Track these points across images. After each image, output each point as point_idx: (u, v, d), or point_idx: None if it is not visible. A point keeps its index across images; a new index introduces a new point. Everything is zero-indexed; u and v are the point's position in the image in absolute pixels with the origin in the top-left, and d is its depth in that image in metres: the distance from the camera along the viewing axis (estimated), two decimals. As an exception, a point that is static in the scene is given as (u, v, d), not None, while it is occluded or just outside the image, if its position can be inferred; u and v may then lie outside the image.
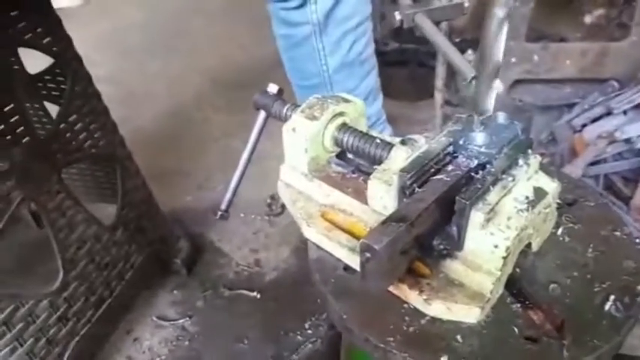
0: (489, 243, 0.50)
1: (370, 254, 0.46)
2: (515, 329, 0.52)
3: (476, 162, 0.54)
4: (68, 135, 1.03)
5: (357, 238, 0.61)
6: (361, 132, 0.65)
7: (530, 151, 0.56)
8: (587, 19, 2.42)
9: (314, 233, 0.63)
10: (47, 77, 1.12)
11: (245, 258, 1.49)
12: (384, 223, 0.48)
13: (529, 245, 0.57)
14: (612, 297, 0.53)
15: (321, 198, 0.66)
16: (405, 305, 0.55)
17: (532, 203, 0.52)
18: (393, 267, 0.49)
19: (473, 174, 0.53)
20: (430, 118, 1.90)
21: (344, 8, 1.09)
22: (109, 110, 1.16)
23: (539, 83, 1.88)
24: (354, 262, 0.59)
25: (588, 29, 2.35)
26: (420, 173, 0.54)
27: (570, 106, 1.73)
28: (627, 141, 1.41)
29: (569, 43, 1.98)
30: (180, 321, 1.32)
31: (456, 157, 0.56)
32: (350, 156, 0.71)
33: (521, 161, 0.55)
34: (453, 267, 0.54)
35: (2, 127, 0.90)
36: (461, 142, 0.56)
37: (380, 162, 0.61)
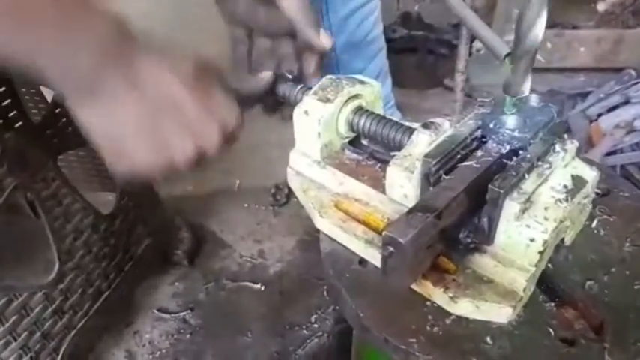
0: (525, 236, 0.45)
1: (394, 248, 0.42)
2: (550, 330, 0.47)
3: (508, 147, 0.49)
4: (64, 120, 0.98)
5: (374, 229, 0.56)
6: (379, 115, 0.60)
7: (566, 135, 0.51)
8: (600, 6, 2.36)
9: (327, 224, 0.58)
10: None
11: (248, 249, 1.44)
12: (409, 213, 0.43)
13: (562, 239, 0.53)
14: (655, 295, 0.48)
15: (334, 187, 0.61)
16: (428, 303, 0.50)
17: (571, 193, 0.47)
18: (417, 262, 0.45)
19: (505, 160, 0.48)
20: (440, 106, 1.85)
21: None
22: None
23: (552, 72, 1.84)
24: (371, 255, 0.55)
25: (601, 17, 2.30)
26: (446, 159, 0.49)
27: (584, 95, 1.67)
28: (646, 131, 1.36)
29: (584, 31, 1.93)
30: (182, 313, 1.28)
31: (486, 142, 0.51)
32: (364, 142, 0.66)
33: (557, 147, 0.50)
34: (482, 262, 0.49)
35: (-6, 110, 0.85)
36: (491, 126, 0.51)
37: (399, 148, 0.56)
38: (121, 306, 1.25)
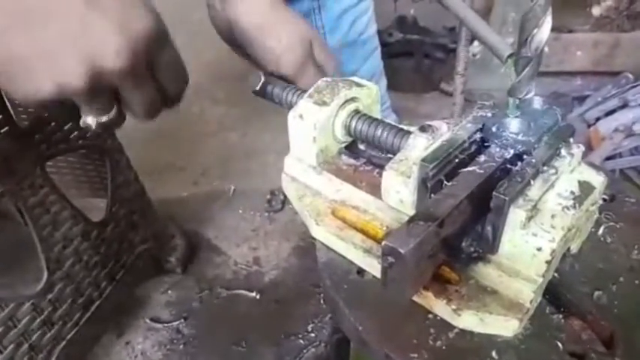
0: (531, 245, 0.43)
1: (394, 259, 0.39)
2: (559, 344, 0.45)
3: (512, 152, 0.47)
4: (52, 125, 0.95)
5: (372, 238, 0.54)
6: (376, 119, 0.58)
7: (572, 139, 0.49)
8: (596, 11, 2.36)
9: (323, 232, 0.56)
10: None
11: (243, 256, 1.42)
12: (409, 222, 0.41)
13: (568, 247, 0.51)
14: (667, 306, 0.46)
15: (331, 193, 0.59)
16: (430, 316, 0.48)
17: (579, 199, 0.45)
18: (419, 273, 0.42)
19: (510, 165, 0.46)
20: (436, 111, 1.83)
21: None
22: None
23: (549, 76, 1.82)
24: (370, 265, 0.52)
25: (597, 21, 2.29)
26: (443, 164, 0.47)
27: (581, 99, 1.66)
28: (645, 134, 1.34)
29: (581, 34, 1.92)
30: (175, 323, 1.25)
31: (488, 146, 0.49)
32: (362, 147, 0.64)
33: (563, 151, 0.48)
34: (486, 272, 0.47)
35: (-22, 115, 0.82)
36: (494, 130, 0.49)
37: (397, 152, 0.54)
38: (112, 316, 1.22)
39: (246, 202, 1.58)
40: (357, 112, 0.59)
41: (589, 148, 1.39)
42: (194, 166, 1.77)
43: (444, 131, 0.51)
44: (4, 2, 0.41)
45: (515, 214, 0.43)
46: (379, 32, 1.19)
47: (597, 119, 1.49)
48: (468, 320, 0.46)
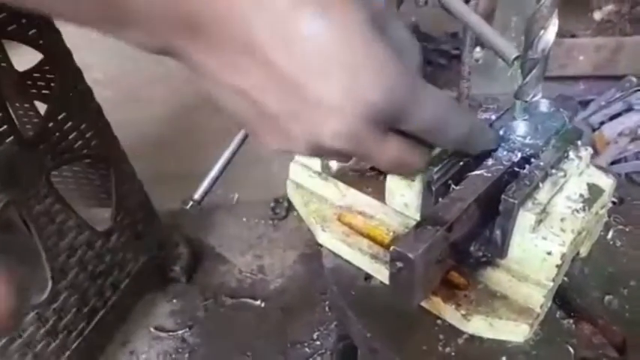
0: (541, 249, 0.43)
1: (403, 264, 0.39)
2: (570, 349, 0.44)
3: (519, 155, 0.47)
4: (57, 134, 0.95)
5: (379, 243, 0.54)
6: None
7: (579, 142, 0.49)
8: (597, 15, 2.36)
9: (330, 239, 0.55)
10: (36, 75, 1.05)
11: (248, 265, 1.41)
12: (417, 226, 0.41)
13: (577, 251, 0.50)
14: (680, 310, 0.46)
15: (336, 199, 0.59)
16: (439, 321, 0.47)
17: (588, 202, 0.44)
18: (428, 279, 0.42)
19: (518, 169, 0.45)
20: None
21: None
22: (104, 112, 1.09)
23: (551, 81, 1.82)
24: (377, 271, 0.52)
25: (598, 25, 2.29)
26: (449, 166, 0.47)
27: (585, 103, 1.66)
28: (650, 138, 1.34)
29: (583, 39, 1.92)
30: (180, 332, 1.24)
31: (495, 149, 0.48)
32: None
33: (571, 154, 0.47)
34: (495, 277, 0.47)
35: (-17, 124, 0.82)
36: (500, 133, 0.48)
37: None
38: (116, 325, 1.22)
39: (250, 211, 1.58)
40: (362, 117, 0.59)
41: (594, 152, 1.39)
42: (198, 175, 1.77)
43: (450, 135, 0.51)
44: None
45: (525, 218, 0.42)
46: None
47: (601, 123, 1.49)
48: (478, 325, 0.45)
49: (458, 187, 0.44)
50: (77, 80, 1.01)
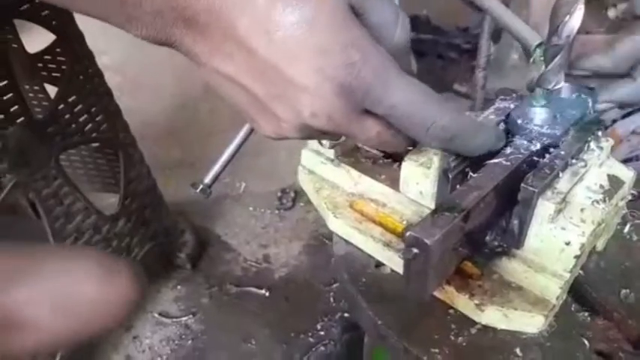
0: (559, 239, 0.42)
1: (419, 250, 0.38)
2: (585, 342, 0.43)
3: (539, 144, 0.46)
4: (67, 117, 0.95)
5: (391, 231, 0.53)
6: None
7: (600, 132, 0.48)
8: (612, 12, 2.33)
9: (342, 226, 0.55)
10: (47, 57, 1.04)
11: (253, 253, 1.41)
12: (434, 213, 0.40)
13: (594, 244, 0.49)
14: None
15: (349, 186, 0.58)
16: (451, 311, 0.47)
17: (608, 193, 0.44)
18: (443, 266, 0.41)
19: (537, 158, 0.44)
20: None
21: None
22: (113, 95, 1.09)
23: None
24: (389, 259, 0.51)
25: (612, 23, 2.27)
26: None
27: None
28: (663, 137, 1.32)
29: (597, 35, 1.90)
30: (184, 318, 1.24)
31: (513, 138, 0.48)
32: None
33: (592, 144, 0.46)
34: (510, 267, 0.46)
35: (-6, 104, 0.82)
36: (519, 122, 0.48)
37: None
38: (121, 310, 1.22)
39: (256, 200, 1.58)
40: (376, 104, 0.58)
41: (606, 150, 1.37)
42: (205, 162, 1.76)
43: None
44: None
45: (544, 207, 0.41)
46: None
47: (614, 121, 1.47)
48: (492, 316, 0.44)
49: (476, 175, 0.44)
50: (89, 63, 1.00)
